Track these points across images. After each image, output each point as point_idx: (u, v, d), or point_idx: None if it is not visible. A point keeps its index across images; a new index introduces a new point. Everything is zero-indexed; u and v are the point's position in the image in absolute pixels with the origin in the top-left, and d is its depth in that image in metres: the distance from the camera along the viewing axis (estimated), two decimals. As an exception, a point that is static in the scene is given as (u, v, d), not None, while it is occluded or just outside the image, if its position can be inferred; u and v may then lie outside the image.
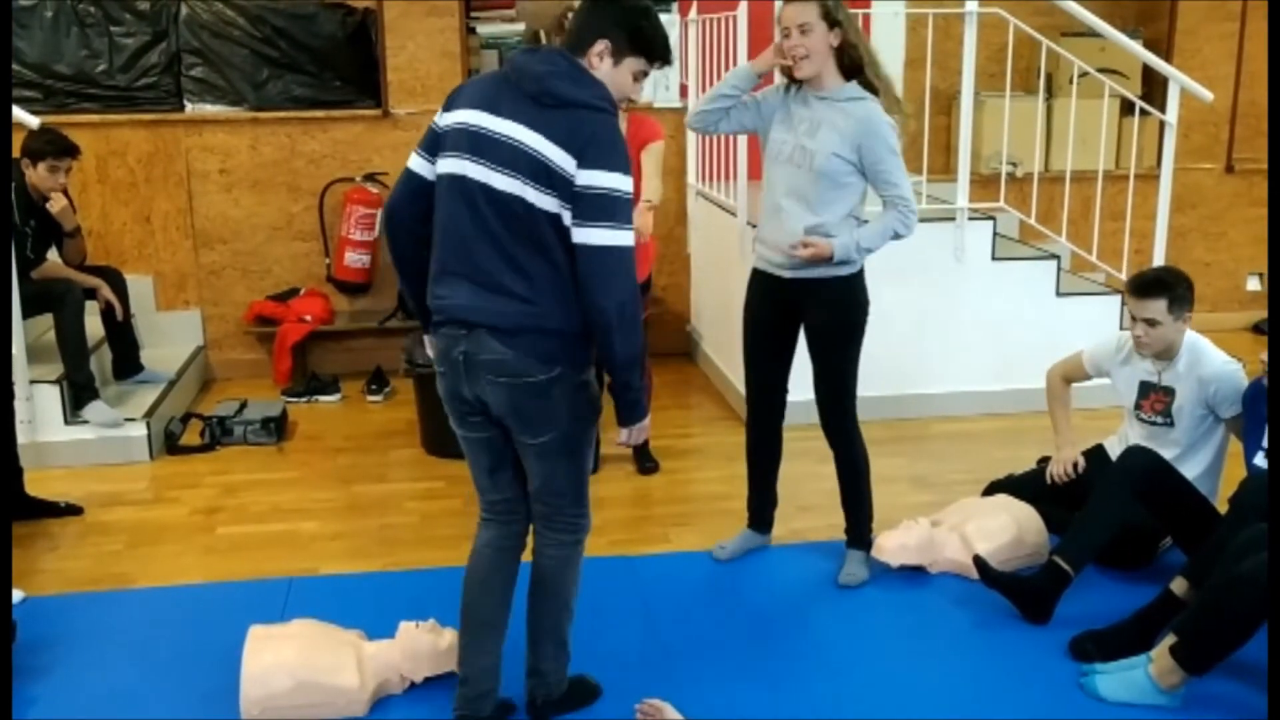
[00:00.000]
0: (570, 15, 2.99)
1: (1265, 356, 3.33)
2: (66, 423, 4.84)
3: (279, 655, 2.95)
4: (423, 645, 3.05)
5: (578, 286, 2.50)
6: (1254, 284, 7.16)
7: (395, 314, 6.10)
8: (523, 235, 2.50)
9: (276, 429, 5.16)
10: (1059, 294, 5.41)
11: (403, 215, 2.71)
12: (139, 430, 4.91)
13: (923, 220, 5.25)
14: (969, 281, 5.30)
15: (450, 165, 2.58)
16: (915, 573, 3.69)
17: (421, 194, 2.66)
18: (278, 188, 6.04)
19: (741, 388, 5.42)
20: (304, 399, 5.73)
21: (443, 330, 2.65)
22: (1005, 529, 3.73)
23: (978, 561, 3.45)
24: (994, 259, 5.34)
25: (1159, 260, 5.34)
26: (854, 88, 3.43)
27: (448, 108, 2.65)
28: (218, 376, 6.14)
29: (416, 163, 2.68)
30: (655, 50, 2.62)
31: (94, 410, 4.84)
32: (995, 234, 5.35)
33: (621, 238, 2.48)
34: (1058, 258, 5.48)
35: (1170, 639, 2.96)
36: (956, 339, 5.33)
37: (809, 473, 4.16)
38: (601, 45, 2.56)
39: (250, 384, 5.92)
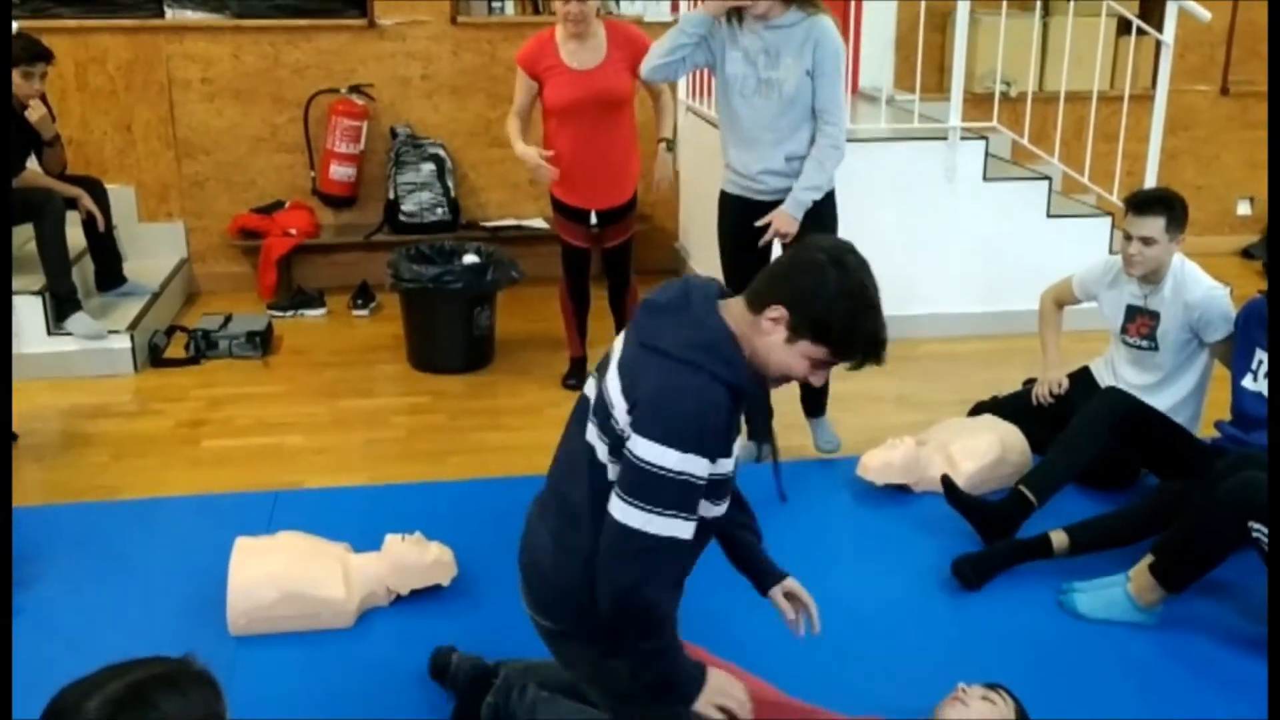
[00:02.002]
0: None
1: (1262, 290, 3.31)
2: (49, 334, 4.81)
3: (265, 567, 2.97)
4: (409, 558, 3.06)
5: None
6: (1244, 208, 7.13)
7: (381, 228, 6.04)
8: None
9: (261, 343, 5.13)
10: (1049, 215, 5.38)
11: None
12: (123, 343, 4.88)
13: (915, 139, 5.27)
14: (959, 202, 5.27)
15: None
16: (900, 491, 3.72)
17: None
18: (261, 98, 5.94)
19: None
20: (289, 313, 5.70)
21: None
22: (990, 449, 3.75)
23: (945, 481, 3.47)
24: (985, 179, 5.30)
25: (1150, 183, 5.32)
26: (796, 11, 3.51)
27: None
28: (202, 290, 6.09)
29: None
30: (848, 350, 2.06)
31: (77, 322, 4.81)
32: (987, 154, 5.30)
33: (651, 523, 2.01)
34: (1049, 179, 5.44)
35: (1149, 557, 2.99)
36: (945, 260, 5.31)
37: (790, 392, 4.15)
38: (778, 313, 2.05)
39: (235, 297, 5.87)
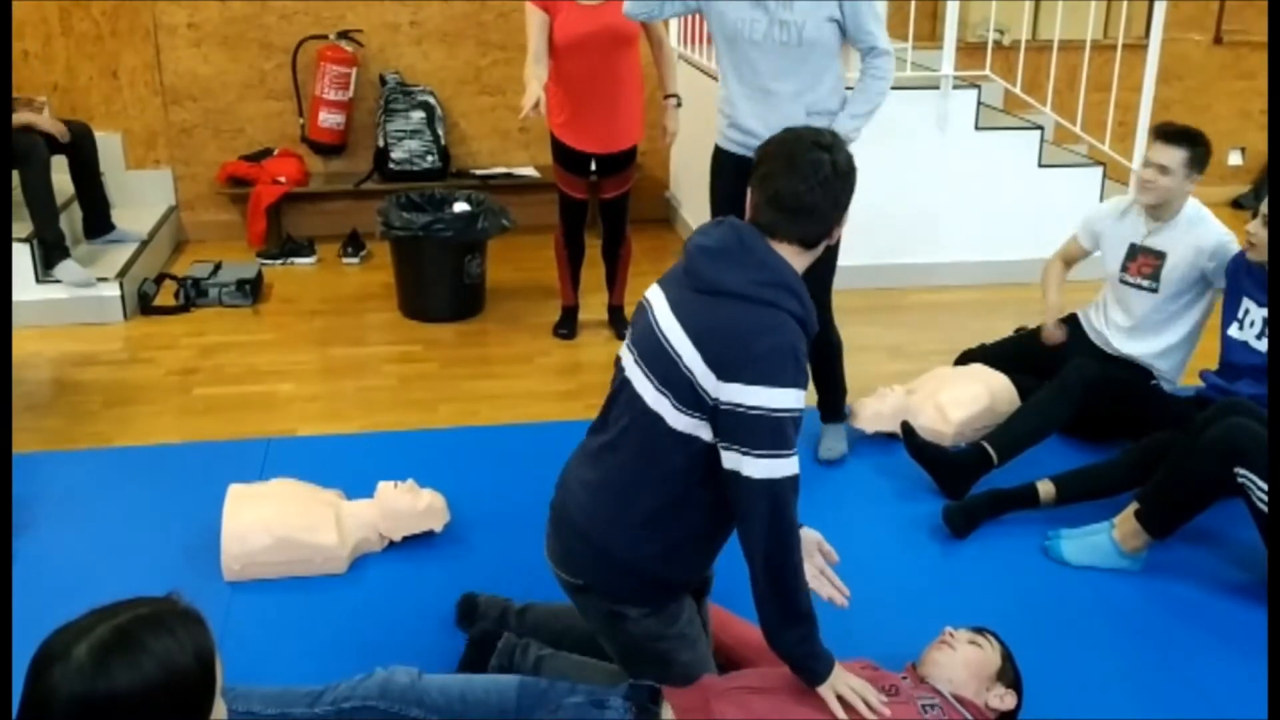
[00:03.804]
0: None
1: (1253, 230, 3.31)
2: (38, 281, 4.79)
3: (258, 513, 2.98)
4: (401, 505, 3.08)
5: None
6: (1236, 158, 7.13)
7: (371, 176, 6.01)
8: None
9: (252, 291, 5.12)
10: (1041, 165, 5.37)
11: None
12: (112, 290, 4.87)
13: (906, 88, 5.24)
14: (951, 151, 5.26)
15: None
16: (890, 439, 3.74)
17: None
18: (249, 44, 5.88)
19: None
20: (279, 261, 5.68)
21: None
22: (978, 398, 3.77)
23: (905, 428, 3.48)
24: (977, 128, 5.29)
25: (1143, 133, 5.30)
26: None
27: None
28: (191, 238, 6.06)
29: None
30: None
31: (65, 269, 4.79)
32: (979, 103, 5.28)
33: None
34: (1041, 128, 5.43)
35: (1134, 504, 3.03)
36: (936, 209, 5.30)
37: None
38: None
39: (224, 246, 5.85)
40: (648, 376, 2.14)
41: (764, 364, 2.00)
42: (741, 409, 2.00)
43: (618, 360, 2.29)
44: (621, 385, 2.23)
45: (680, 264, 2.20)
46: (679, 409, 2.08)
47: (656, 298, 2.20)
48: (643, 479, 2.18)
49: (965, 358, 4.14)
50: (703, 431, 2.08)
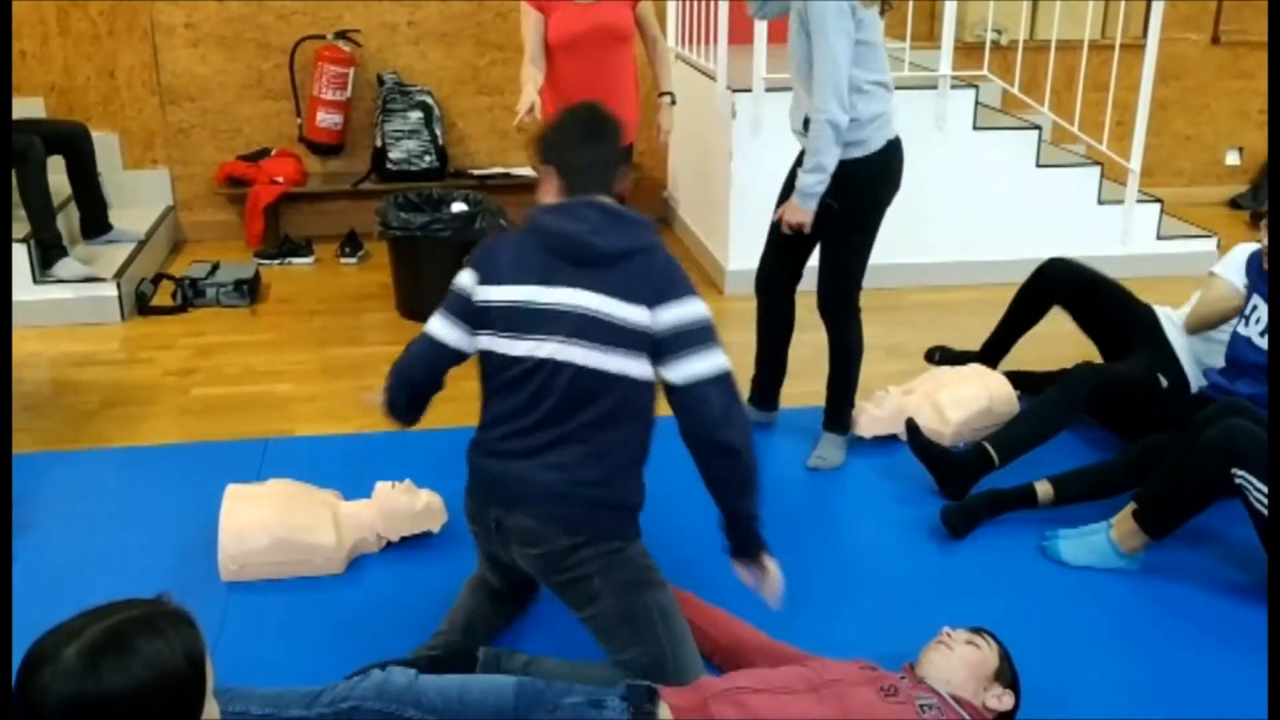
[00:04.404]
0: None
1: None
2: (35, 282, 4.79)
3: (256, 513, 2.98)
4: (399, 505, 3.08)
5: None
6: (1233, 158, 7.13)
7: (368, 176, 6.01)
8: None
9: (249, 291, 5.12)
10: (1039, 165, 5.37)
11: (425, 387, 2.66)
12: (110, 290, 4.86)
13: (904, 88, 5.22)
14: (949, 151, 5.26)
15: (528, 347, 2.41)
16: (888, 440, 3.74)
17: (447, 364, 2.60)
18: (246, 44, 5.87)
19: (718, 255, 5.41)
20: (277, 261, 5.68)
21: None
22: (977, 398, 3.77)
23: (909, 426, 3.47)
24: (975, 128, 5.29)
25: (1140, 133, 5.31)
26: None
27: (489, 280, 2.46)
28: (188, 238, 6.06)
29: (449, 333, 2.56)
30: None
31: (64, 267, 4.79)
32: (977, 103, 5.29)
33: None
34: (1039, 128, 5.43)
35: (1132, 504, 3.03)
36: (934, 208, 5.30)
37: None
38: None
39: (222, 246, 5.85)
40: (591, 347, 2.35)
41: (684, 284, 2.38)
42: (689, 320, 2.34)
43: (509, 360, 2.44)
44: (549, 375, 2.38)
45: (557, 251, 2.40)
46: (630, 355, 2.34)
47: (536, 292, 2.40)
48: (616, 432, 2.40)
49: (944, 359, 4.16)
50: (646, 365, 2.36)
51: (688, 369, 2.33)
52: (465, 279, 2.51)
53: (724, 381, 2.35)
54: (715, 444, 2.34)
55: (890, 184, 3.42)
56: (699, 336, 2.34)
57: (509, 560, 2.53)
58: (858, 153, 3.30)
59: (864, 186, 3.34)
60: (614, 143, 2.54)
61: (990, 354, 4.15)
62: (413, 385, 2.66)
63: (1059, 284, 3.98)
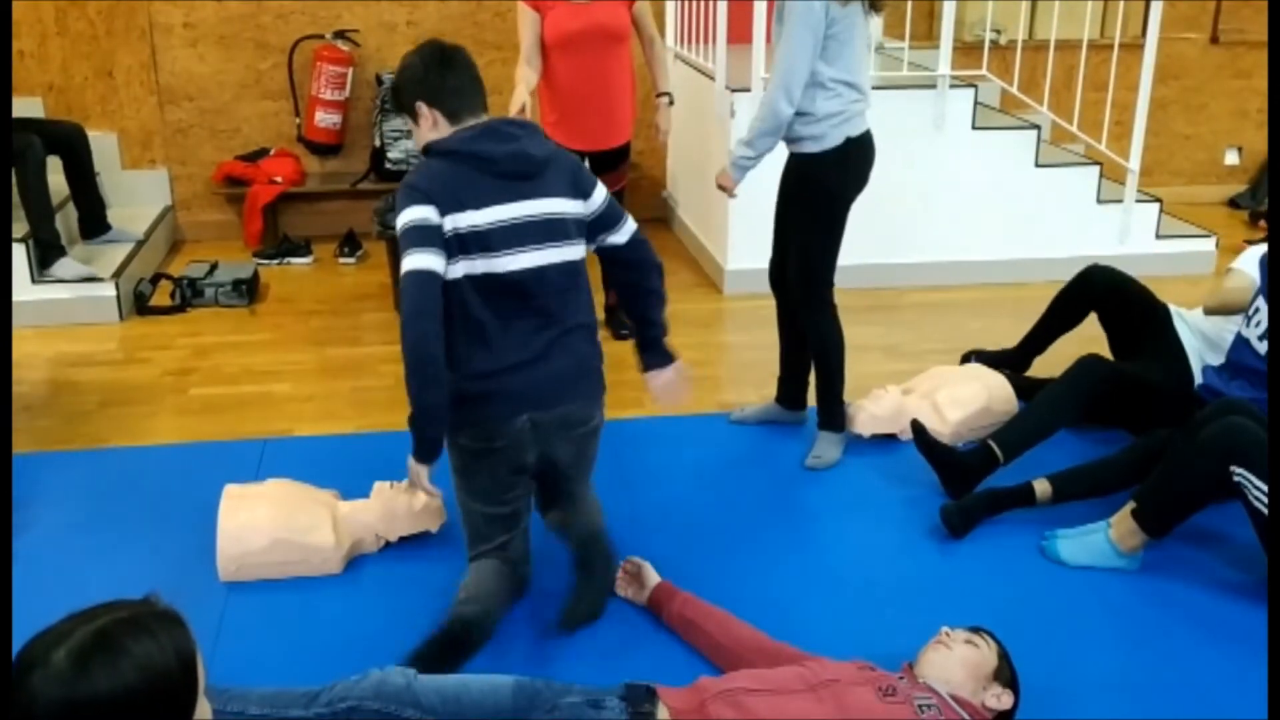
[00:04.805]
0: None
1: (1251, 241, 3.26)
2: (34, 281, 4.78)
3: (255, 514, 2.97)
4: (398, 505, 3.07)
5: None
6: (1232, 158, 7.14)
7: (367, 176, 6.01)
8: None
9: (248, 291, 5.11)
10: (1038, 165, 5.37)
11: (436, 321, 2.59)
12: (108, 290, 4.86)
13: (903, 88, 5.25)
14: (948, 151, 5.26)
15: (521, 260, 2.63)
16: (887, 440, 3.74)
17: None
18: (245, 44, 5.87)
19: (717, 255, 5.41)
20: (275, 261, 5.68)
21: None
22: (976, 397, 3.77)
23: (915, 426, 3.46)
24: (974, 128, 5.29)
25: (1139, 132, 5.31)
26: None
27: (451, 208, 2.54)
28: (187, 238, 6.06)
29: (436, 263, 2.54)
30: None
31: (63, 266, 4.79)
32: (976, 102, 5.28)
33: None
34: (1038, 128, 5.43)
35: (1131, 503, 3.02)
36: (934, 208, 5.31)
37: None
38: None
39: (220, 245, 5.84)
40: (558, 245, 2.66)
41: (582, 170, 2.77)
42: (605, 201, 2.78)
43: (497, 277, 2.61)
44: (535, 279, 2.63)
45: (505, 172, 2.61)
46: (579, 241, 2.73)
47: (491, 213, 2.59)
48: (583, 307, 2.78)
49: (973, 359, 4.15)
50: (584, 244, 2.78)
51: (626, 230, 2.83)
52: (423, 212, 2.53)
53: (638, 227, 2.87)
54: (657, 265, 2.89)
55: (849, 180, 3.42)
56: (615, 205, 2.82)
57: (533, 459, 2.72)
58: (813, 148, 3.33)
59: (819, 180, 3.38)
60: (468, 65, 2.71)
61: (1026, 355, 4.13)
62: (436, 342, 2.57)
63: (1099, 290, 3.94)
